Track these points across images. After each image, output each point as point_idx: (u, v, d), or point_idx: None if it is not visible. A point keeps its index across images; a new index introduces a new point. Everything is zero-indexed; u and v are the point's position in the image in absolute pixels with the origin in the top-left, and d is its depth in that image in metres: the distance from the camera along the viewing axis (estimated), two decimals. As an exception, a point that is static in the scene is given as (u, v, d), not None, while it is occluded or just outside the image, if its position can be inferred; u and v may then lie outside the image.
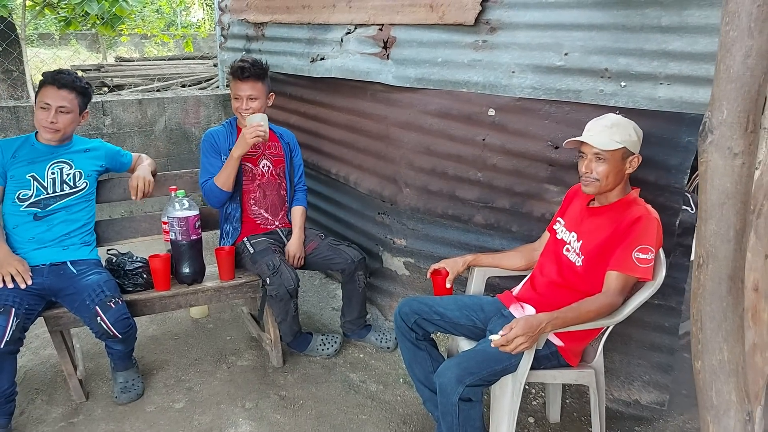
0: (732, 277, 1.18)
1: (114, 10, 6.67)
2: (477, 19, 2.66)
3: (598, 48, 2.36)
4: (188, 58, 10.83)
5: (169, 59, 10.87)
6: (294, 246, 3.01)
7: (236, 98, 2.96)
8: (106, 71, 9.04)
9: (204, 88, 7.55)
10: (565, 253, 2.25)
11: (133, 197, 2.88)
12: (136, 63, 10.28)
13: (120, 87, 8.18)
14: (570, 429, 2.61)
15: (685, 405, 2.67)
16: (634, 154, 2.09)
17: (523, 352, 2.02)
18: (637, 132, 2.10)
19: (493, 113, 2.73)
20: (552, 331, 2.01)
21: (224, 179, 2.89)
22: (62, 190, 2.69)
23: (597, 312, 2.03)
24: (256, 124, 2.81)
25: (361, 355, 3.13)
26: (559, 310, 2.03)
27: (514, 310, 2.31)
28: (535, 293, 2.31)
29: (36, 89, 2.68)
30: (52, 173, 2.67)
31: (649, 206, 2.11)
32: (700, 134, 1.16)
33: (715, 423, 1.24)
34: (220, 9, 4.66)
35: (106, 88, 8.21)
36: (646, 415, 2.65)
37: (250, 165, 3.04)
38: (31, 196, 2.64)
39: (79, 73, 7.54)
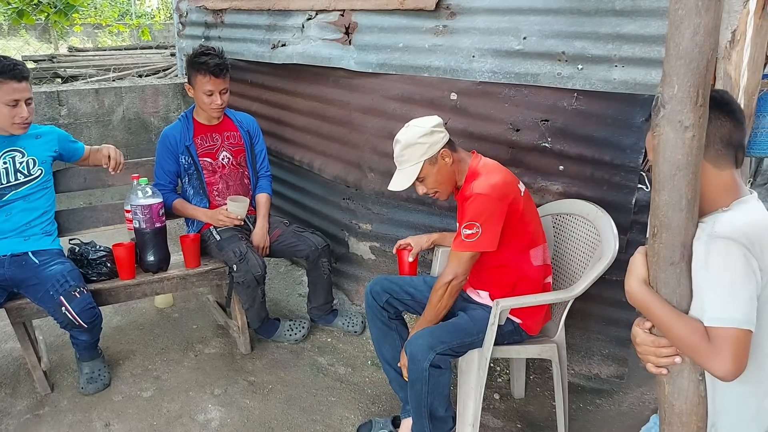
0: (684, 244, 1.24)
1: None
2: (437, 4, 2.70)
3: (555, 32, 2.42)
4: (144, 48, 10.58)
5: (125, 49, 10.61)
6: (258, 236, 3.01)
7: (209, 94, 2.89)
8: (59, 62, 8.77)
9: (161, 77, 7.40)
10: None
11: (110, 170, 2.85)
12: (90, 53, 9.99)
13: (74, 78, 7.94)
14: (534, 403, 2.69)
15: (643, 377, 2.77)
16: (437, 153, 2.17)
17: (486, 326, 2.12)
18: (428, 137, 2.16)
19: (454, 97, 2.78)
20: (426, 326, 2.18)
21: (181, 214, 3.04)
22: (17, 179, 2.62)
23: (441, 294, 2.14)
24: (234, 216, 2.87)
25: (329, 339, 3.16)
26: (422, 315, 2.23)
27: (471, 293, 2.37)
28: (476, 277, 2.36)
29: None
30: (4, 163, 2.60)
31: (480, 180, 2.14)
32: (653, 109, 1.21)
33: (670, 383, 1.31)
34: (178, -4, 4.59)
35: (59, 80, 7.96)
36: (606, 387, 2.75)
37: (209, 159, 3.02)
38: None
39: (31, 64, 7.27)
